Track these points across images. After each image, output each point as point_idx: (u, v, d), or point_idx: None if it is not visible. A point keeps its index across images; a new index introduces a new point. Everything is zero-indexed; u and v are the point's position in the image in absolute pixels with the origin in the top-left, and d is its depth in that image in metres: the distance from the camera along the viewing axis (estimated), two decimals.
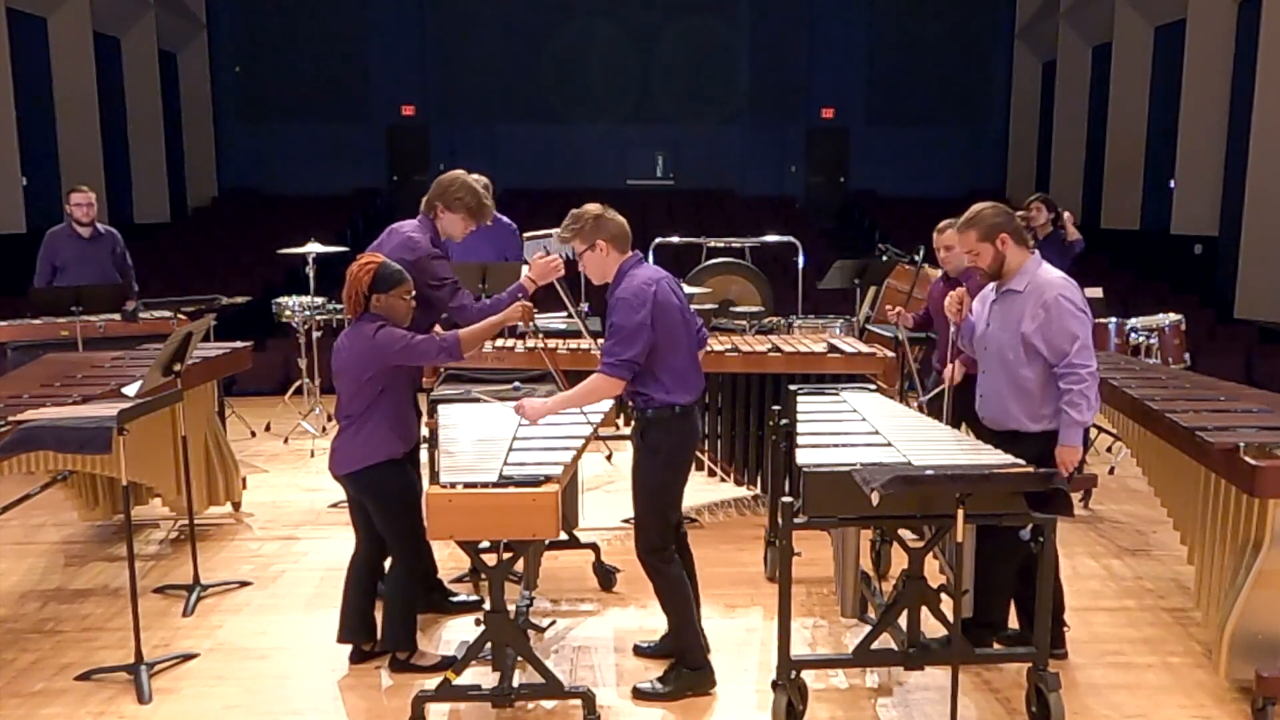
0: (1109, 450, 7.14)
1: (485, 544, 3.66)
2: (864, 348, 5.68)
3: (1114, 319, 6.64)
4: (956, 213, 3.94)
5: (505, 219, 6.41)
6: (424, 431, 4.41)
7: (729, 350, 5.57)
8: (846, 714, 3.65)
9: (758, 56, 18.05)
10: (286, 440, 7.58)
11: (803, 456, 3.44)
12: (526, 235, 6.52)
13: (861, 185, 18.60)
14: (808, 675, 3.64)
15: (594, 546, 4.83)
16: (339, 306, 7.22)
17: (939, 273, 5.16)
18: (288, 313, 7.57)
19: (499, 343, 5.53)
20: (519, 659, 3.53)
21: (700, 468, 5.86)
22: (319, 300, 7.59)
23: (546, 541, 3.89)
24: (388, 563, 3.94)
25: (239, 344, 6.05)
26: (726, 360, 5.54)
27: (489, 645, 3.50)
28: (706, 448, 5.74)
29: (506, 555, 3.49)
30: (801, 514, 3.28)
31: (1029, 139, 17.96)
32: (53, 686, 3.85)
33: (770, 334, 6.44)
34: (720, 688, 3.76)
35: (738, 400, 5.65)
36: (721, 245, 8.82)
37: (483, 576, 3.67)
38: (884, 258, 7.07)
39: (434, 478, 3.74)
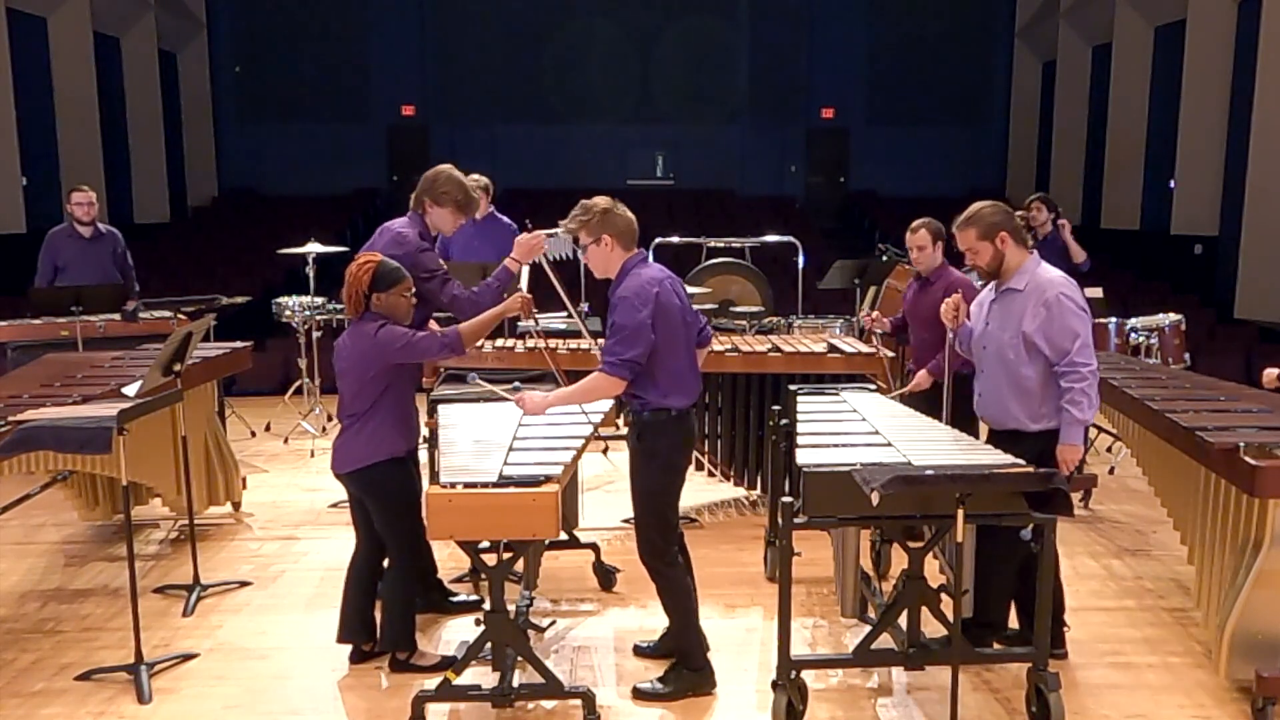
0: (1109, 450, 7.14)
1: (485, 544, 3.66)
2: (864, 348, 5.68)
3: (1114, 319, 6.63)
4: (956, 212, 3.93)
5: (505, 219, 6.42)
6: (424, 431, 4.41)
7: (729, 350, 5.57)
8: (846, 714, 3.65)
9: (758, 56, 18.05)
10: (286, 440, 7.59)
11: (803, 456, 3.44)
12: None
13: (861, 185, 18.60)
14: (808, 675, 3.63)
15: (594, 546, 4.83)
16: (339, 306, 7.22)
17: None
18: (288, 313, 7.57)
19: (499, 343, 5.53)
20: (519, 659, 3.53)
21: (700, 468, 5.86)
22: (319, 300, 7.60)
23: (546, 541, 3.89)
24: (387, 563, 3.94)
25: (239, 344, 6.05)
26: (726, 360, 5.53)
27: (489, 645, 3.50)
28: (706, 448, 5.75)
29: (506, 555, 3.49)
30: (801, 514, 3.28)
31: (1029, 139, 17.96)
32: (53, 686, 3.85)
33: (770, 334, 6.44)
34: (720, 688, 3.76)
35: (737, 400, 5.64)
36: (721, 245, 8.83)
37: (483, 576, 3.67)
38: (884, 258, 7.08)
39: (434, 478, 3.74)
